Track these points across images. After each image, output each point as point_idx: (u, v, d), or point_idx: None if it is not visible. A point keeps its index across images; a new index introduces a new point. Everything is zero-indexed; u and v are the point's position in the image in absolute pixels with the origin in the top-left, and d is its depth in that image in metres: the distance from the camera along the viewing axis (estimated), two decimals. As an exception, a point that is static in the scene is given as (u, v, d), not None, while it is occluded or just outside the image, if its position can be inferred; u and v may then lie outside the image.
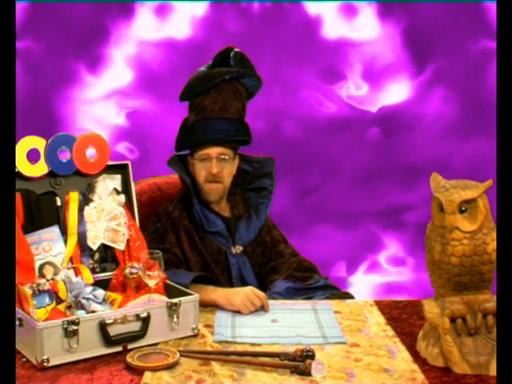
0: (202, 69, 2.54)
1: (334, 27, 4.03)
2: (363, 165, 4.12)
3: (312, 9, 4.00)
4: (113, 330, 1.86)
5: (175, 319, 1.95)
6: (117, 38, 3.96)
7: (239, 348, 1.91)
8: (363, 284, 4.16)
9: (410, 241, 4.13)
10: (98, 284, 2.07)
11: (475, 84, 4.02)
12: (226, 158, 2.45)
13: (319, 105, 4.08)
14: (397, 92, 4.09)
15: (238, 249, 2.51)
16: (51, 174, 2.19)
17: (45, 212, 2.16)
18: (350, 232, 4.17)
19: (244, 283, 2.42)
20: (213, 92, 2.43)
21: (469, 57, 4.03)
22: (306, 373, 1.73)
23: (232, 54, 2.48)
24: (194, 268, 2.43)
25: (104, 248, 2.23)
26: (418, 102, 4.08)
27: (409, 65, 4.08)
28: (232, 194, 2.56)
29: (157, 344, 1.92)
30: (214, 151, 2.43)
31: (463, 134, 4.07)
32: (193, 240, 2.47)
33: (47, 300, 1.89)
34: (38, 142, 2.16)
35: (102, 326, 1.85)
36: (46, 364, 1.77)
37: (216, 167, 2.42)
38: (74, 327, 1.81)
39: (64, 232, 2.16)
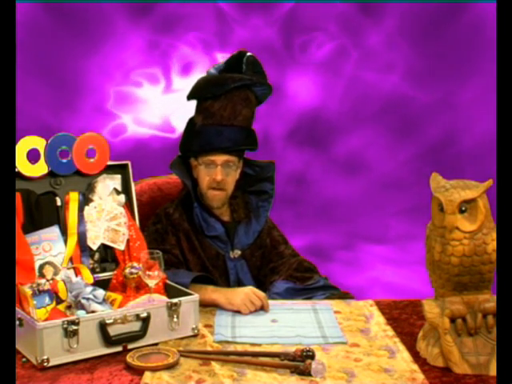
0: (212, 70, 2.50)
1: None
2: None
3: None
4: (113, 330, 1.86)
5: (175, 319, 1.95)
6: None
7: (239, 348, 1.91)
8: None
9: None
10: (98, 284, 2.07)
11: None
12: (231, 164, 2.43)
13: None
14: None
15: (237, 253, 2.50)
16: (51, 174, 2.18)
17: (45, 212, 2.15)
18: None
19: (242, 287, 2.41)
20: (223, 97, 2.39)
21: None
22: (306, 373, 1.73)
23: (245, 58, 2.44)
24: (193, 270, 2.42)
25: (104, 248, 2.23)
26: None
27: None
28: (233, 197, 2.54)
29: (157, 344, 1.92)
30: (219, 158, 2.40)
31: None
32: (192, 243, 2.46)
33: (47, 300, 1.89)
34: (38, 142, 2.16)
35: (102, 326, 1.84)
36: (46, 364, 1.77)
37: (221, 174, 2.40)
38: (74, 327, 1.81)
39: (64, 232, 2.16)
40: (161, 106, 4.36)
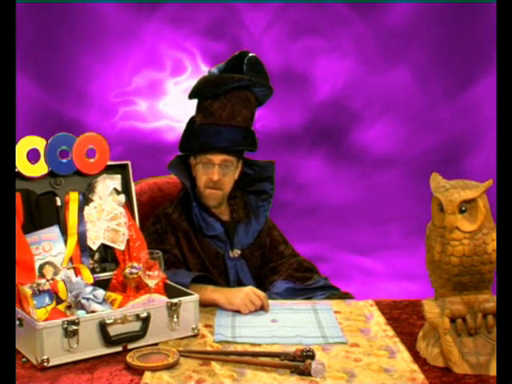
0: (214, 70, 2.51)
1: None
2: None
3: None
4: (113, 330, 1.86)
5: (175, 319, 1.95)
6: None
7: (239, 348, 1.91)
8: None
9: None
10: (98, 284, 2.07)
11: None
12: (229, 164, 2.43)
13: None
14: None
15: (236, 252, 2.50)
16: (51, 174, 2.18)
17: (45, 212, 2.15)
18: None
19: (242, 286, 2.41)
20: (222, 97, 2.39)
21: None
22: (305, 373, 1.73)
23: (246, 59, 2.44)
24: (193, 270, 2.42)
25: (104, 248, 2.23)
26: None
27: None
28: (232, 197, 2.54)
29: (157, 344, 1.92)
30: (217, 158, 2.40)
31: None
32: (191, 243, 2.46)
33: (47, 300, 1.89)
34: (38, 142, 2.16)
35: (102, 326, 1.84)
36: (46, 364, 1.77)
37: (217, 174, 2.40)
38: (74, 327, 1.81)
39: (64, 232, 2.16)
40: (179, 97, 4.36)
